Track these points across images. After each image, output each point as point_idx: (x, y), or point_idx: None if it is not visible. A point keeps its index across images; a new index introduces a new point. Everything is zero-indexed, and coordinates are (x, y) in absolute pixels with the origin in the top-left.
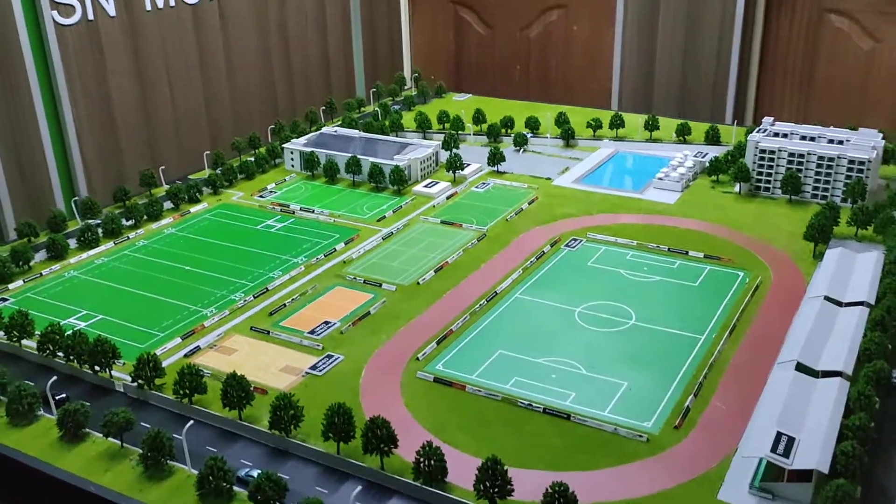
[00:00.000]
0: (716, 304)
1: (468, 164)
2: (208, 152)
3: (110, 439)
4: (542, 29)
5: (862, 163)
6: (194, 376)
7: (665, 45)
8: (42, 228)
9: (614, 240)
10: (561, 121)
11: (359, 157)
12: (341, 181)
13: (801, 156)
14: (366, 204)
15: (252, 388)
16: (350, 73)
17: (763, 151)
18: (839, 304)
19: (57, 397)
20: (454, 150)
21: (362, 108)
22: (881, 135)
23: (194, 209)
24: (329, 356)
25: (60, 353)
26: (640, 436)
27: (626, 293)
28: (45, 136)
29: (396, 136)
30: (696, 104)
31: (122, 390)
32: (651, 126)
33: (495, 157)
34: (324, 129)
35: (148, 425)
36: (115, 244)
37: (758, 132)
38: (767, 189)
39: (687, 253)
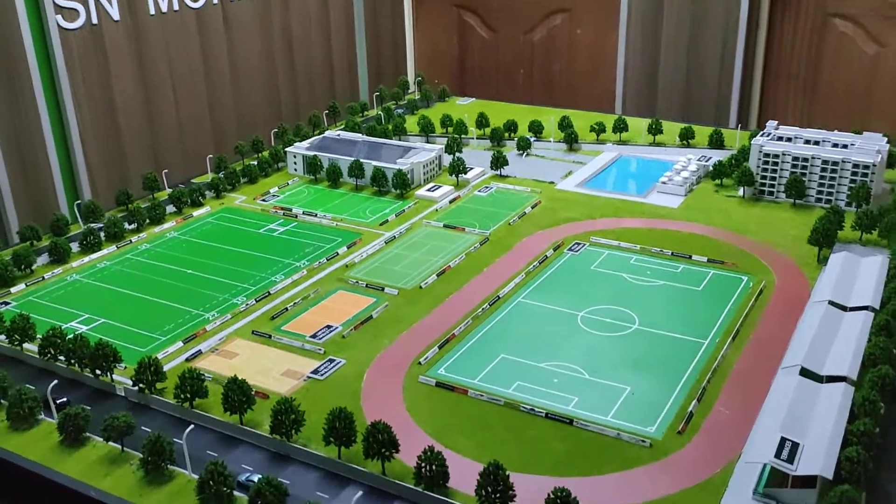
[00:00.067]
0: (719, 308)
1: (471, 168)
2: (211, 156)
3: (111, 443)
4: (545, 33)
5: (866, 167)
6: (195, 380)
7: (669, 49)
8: (45, 232)
9: (617, 244)
10: (564, 125)
11: (362, 160)
12: (344, 185)
13: (806, 160)
14: (368, 208)
15: (253, 393)
16: (354, 77)
17: (767, 155)
18: (844, 308)
19: (58, 401)
20: (457, 154)
21: (365, 112)
22: (886, 139)
23: (197, 213)
24: (331, 360)
25: (62, 357)
26: (643, 441)
27: (630, 297)
28: (49, 139)
29: (399, 140)
30: (700, 108)
31: (122, 394)
32: (655, 130)
33: (498, 161)
34: (327, 133)
35: (148, 429)
36: (118, 248)
37: (762, 136)
38: (771, 193)
39: (690, 257)
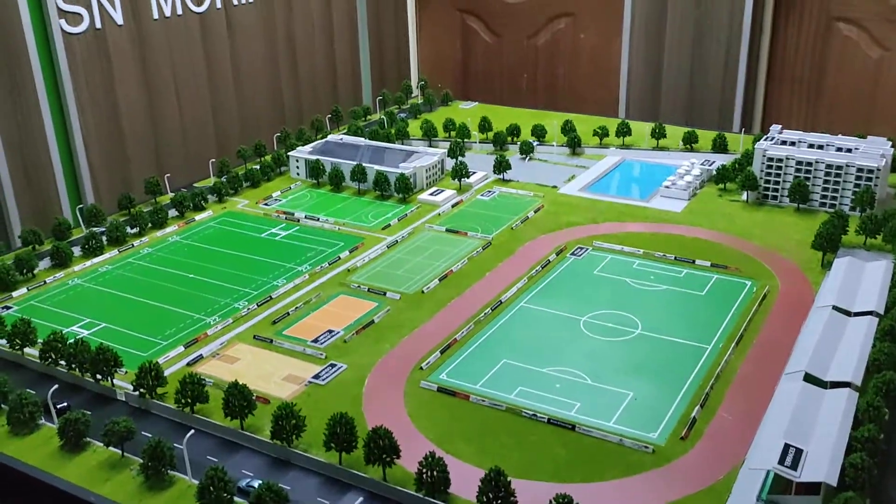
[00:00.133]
0: (723, 313)
1: (474, 173)
2: (214, 160)
3: (111, 448)
4: (549, 37)
5: (871, 171)
6: (196, 385)
7: (672, 52)
8: (47, 236)
9: (620, 248)
10: (567, 129)
11: (364, 165)
12: (346, 189)
13: (809, 164)
14: (371, 212)
15: (254, 398)
16: (357, 81)
17: (771, 160)
18: (848, 313)
19: (58, 406)
20: (460, 159)
21: (368, 117)
22: (890, 143)
23: (199, 217)
24: (332, 365)
25: (62, 362)
26: (646, 447)
27: (633, 302)
28: (53, 143)
29: (402, 144)
30: (704, 112)
31: (123, 399)
32: (658, 134)
33: (501, 166)
34: (329, 137)
35: (149, 434)
36: (120, 252)
37: (765, 140)
38: (775, 197)
39: (694, 262)
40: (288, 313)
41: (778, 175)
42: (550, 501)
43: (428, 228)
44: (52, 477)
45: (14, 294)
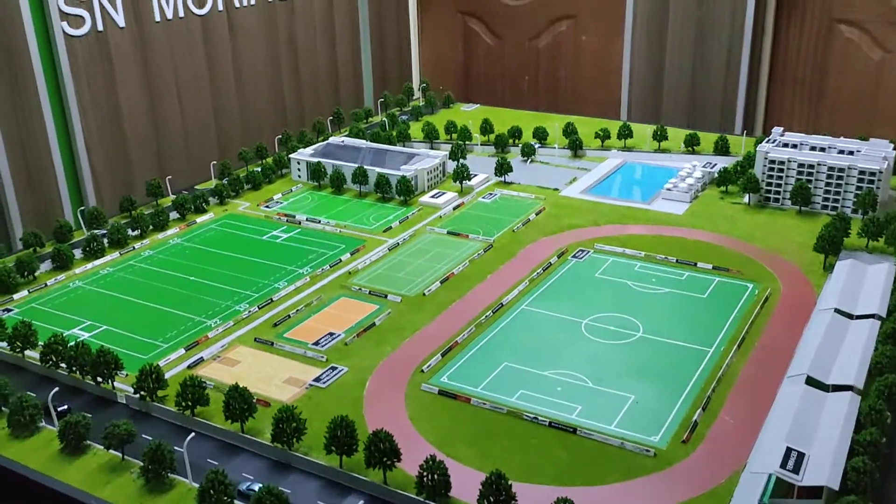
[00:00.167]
0: (724, 316)
1: (475, 175)
2: (215, 162)
3: (111, 451)
4: (550, 39)
5: (873, 173)
6: (197, 388)
7: (674, 55)
8: (48, 239)
9: (622, 251)
10: (569, 131)
11: (366, 167)
12: (348, 191)
13: (811, 166)
14: (372, 214)
15: (255, 401)
16: (358, 84)
17: (772, 162)
18: (850, 316)
19: (59, 409)
20: (461, 161)
21: (370, 119)
22: (892, 145)
23: (200, 219)
24: (333, 368)
25: (63, 365)
26: (648, 450)
27: (634, 305)
28: (54, 146)
29: (404, 147)
30: (705, 114)
31: (124, 402)
32: (660, 136)
33: (503, 168)
34: (331, 140)
35: (149, 437)
36: (121, 254)
37: (767, 143)
38: (777, 200)
39: (695, 264)
40: (289, 316)
41: (780, 177)
42: None
43: (429, 231)
44: (53, 480)
45: (15, 296)
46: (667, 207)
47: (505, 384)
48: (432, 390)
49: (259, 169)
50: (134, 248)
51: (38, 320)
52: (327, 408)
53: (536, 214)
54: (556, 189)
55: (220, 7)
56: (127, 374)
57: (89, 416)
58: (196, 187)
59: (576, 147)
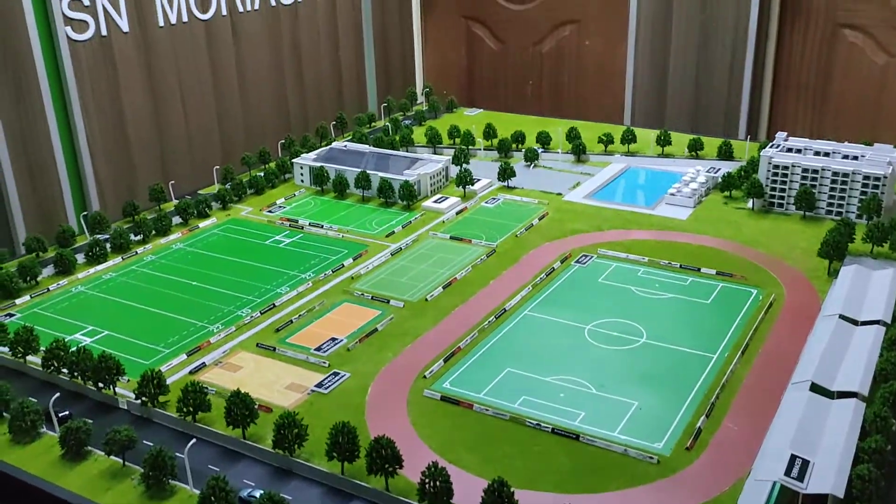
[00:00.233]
0: (728, 322)
1: (478, 180)
2: (218, 167)
3: (112, 457)
4: (554, 44)
5: (877, 178)
6: (198, 394)
7: (678, 59)
8: (51, 243)
9: (625, 256)
10: (572, 136)
11: (368, 172)
12: (351, 196)
13: (816, 171)
14: (375, 219)
15: (256, 406)
16: (362, 88)
17: (776, 167)
18: (855, 322)
19: (60, 414)
20: (464, 166)
21: (373, 123)
22: None
23: (203, 224)
24: (335, 373)
25: (65, 370)
26: (651, 457)
27: (637, 310)
28: (58, 150)
29: (407, 151)
30: (709, 119)
31: (125, 408)
32: (663, 141)
33: (506, 173)
34: (334, 144)
35: (150, 443)
36: (123, 259)
37: (771, 147)
38: (781, 205)
39: (699, 270)
40: (291, 321)
41: (784, 182)
42: None
43: (432, 236)
44: (53, 486)
45: (17, 301)
46: (670, 212)
47: (507, 390)
48: (434, 396)
49: (262, 174)
50: (136, 253)
51: (40, 325)
52: (329, 414)
53: (539, 219)
54: (560, 194)
55: (224, 12)
56: (128, 380)
57: (90, 421)
58: (199, 192)
59: (579, 152)
